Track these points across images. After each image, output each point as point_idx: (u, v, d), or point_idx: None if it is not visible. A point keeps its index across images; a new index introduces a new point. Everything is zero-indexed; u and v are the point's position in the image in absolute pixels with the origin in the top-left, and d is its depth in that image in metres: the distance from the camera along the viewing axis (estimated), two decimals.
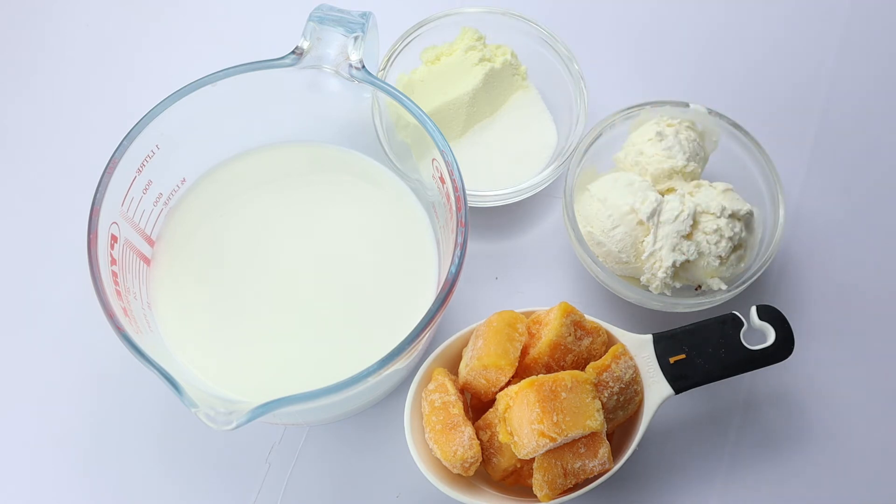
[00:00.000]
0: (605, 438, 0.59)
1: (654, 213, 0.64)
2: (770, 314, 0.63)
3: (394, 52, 0.71)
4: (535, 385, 0.57)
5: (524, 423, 0.57)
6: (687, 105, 0.69)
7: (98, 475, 0.65)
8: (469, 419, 0.60)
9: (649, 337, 0.62)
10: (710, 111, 0.69)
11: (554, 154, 0.71)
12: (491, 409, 0.61)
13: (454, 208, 0.59)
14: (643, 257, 0.65)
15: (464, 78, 0.70)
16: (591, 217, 0.66)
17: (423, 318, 0.56)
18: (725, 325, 0.62)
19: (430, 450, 0.60)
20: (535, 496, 0.59)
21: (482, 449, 0.60)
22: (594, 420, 0.57)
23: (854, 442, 0.67)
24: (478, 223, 0.70)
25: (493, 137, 0.72)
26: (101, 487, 0.64)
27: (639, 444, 0.61)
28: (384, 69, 0.70)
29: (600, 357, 0.62)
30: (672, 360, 0.62)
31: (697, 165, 0.67)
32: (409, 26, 0.72)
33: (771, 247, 0.66)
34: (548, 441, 0.56)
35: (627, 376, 0.61)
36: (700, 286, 0.67)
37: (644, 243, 0.64)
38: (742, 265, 0.66)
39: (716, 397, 0.67)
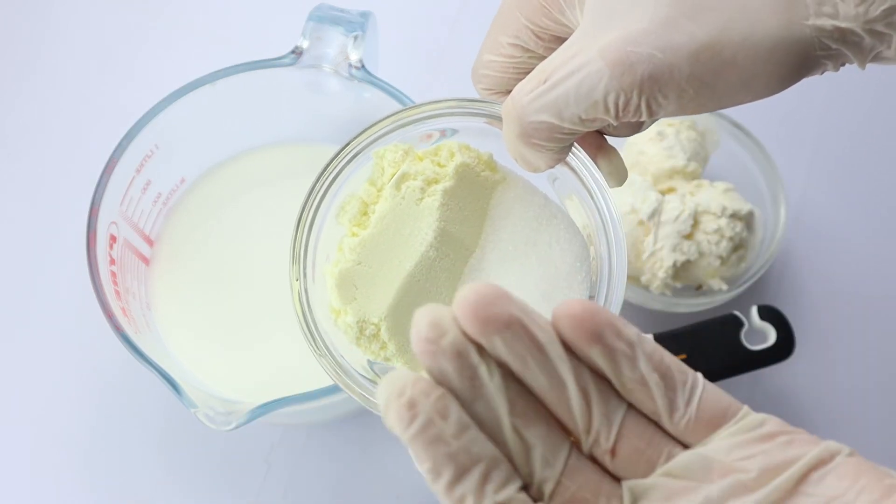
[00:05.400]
0: None
1: (655, 213, 0.64)
2: (771, 314, 0.62)
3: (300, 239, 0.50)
4: None
5: None
6: None
7: (97, 475, 0.65)
8: None
9: (650, 337, 0.62)
10: None
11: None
12: None
13: None
14: (644, 257, 0.64)
15: (413, 224, 0.49)
16: None
17: None
18: (726, 325, 0.62)
19: None
20: None
21: None
22: None
23: (854, 442, 0.66)
24: None
25: (496, 273, 0.49)
26: (100, 487, 0.64)
27: None
28: (299, 276, 0.49)
29: None
30: None
31: (698, 165, 0.67)
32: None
33: (772, 247, 0.66)
34: None
35: None
36: (701, 286, 0.66)
37: (644, 243, 0.64)
38: (743, 265, 0.66)
39: None
